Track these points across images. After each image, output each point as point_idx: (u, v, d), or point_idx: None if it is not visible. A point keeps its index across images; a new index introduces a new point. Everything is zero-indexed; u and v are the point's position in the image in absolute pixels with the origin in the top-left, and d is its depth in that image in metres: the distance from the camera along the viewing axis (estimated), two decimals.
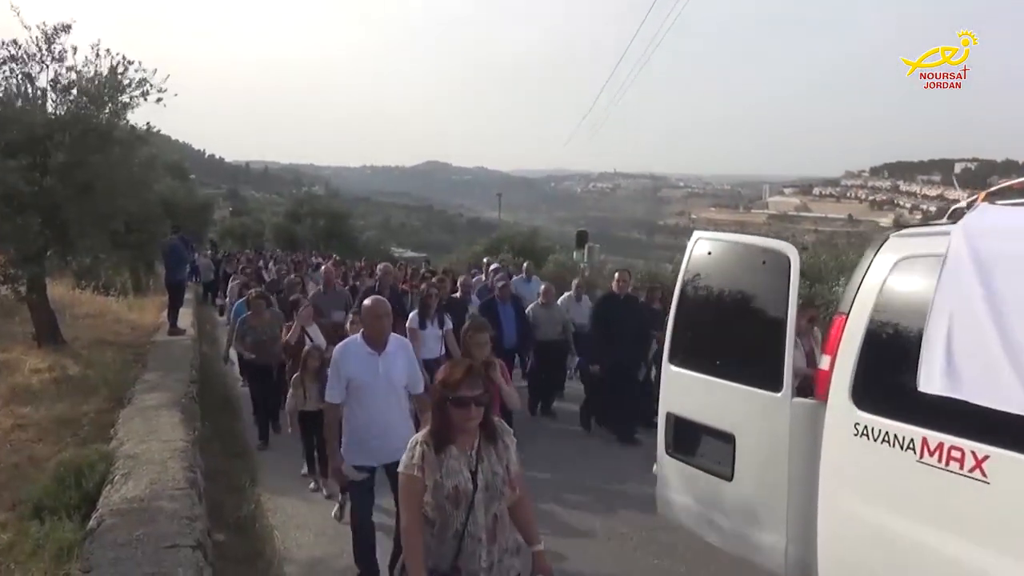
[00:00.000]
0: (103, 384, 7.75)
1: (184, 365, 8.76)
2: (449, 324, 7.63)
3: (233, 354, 9.07)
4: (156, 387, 7.45)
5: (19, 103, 8.78)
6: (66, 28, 8.71)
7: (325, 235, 43.60)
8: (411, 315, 7.60)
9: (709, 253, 4.09)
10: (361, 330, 4.27)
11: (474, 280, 11.51)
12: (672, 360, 4.19)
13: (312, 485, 6.32)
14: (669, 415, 4.15)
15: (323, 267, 12.24)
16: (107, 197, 9.11)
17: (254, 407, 7.80)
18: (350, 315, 6.49)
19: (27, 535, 4.28)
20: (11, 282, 9.09)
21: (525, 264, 12.97)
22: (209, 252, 22.26)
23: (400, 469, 2.62)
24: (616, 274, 8.23)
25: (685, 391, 4.07)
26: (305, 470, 6.55)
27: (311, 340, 7.03)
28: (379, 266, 10.07)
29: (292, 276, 11.89)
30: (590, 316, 8.39)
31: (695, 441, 4.00)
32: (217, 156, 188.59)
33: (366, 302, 4.28)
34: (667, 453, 4.16)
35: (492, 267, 13.25)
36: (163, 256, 13.64)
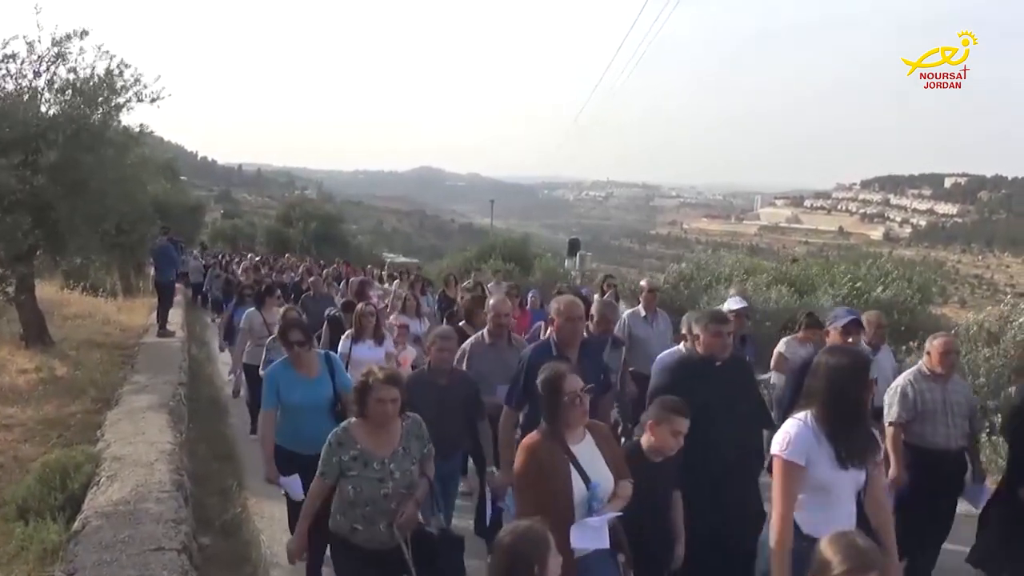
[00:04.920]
0: (90, 385, 7.70)
1: (173, 367, 8.70)
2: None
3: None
4: (144, 389, 7.39)
5: (12, 100, 8.65)
6: (83, 34, 8.62)
7: (317, 239, 43.50)
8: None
9: None
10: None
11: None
12: None
13: None
14: None
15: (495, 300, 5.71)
16: (98, 197, 9.02)
17: None
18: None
19: (11, 536, 4.25)
20: (0, 282, 9.02)
21: (644, 285, 6.83)
22: (198, 253, 22.07)
23: None
24: None
25: None
26: None
27: None
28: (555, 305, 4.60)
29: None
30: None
31: None
32: (209, 158, 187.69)
33: None
34: None
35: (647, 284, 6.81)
36: (152, 257, 13.58)
